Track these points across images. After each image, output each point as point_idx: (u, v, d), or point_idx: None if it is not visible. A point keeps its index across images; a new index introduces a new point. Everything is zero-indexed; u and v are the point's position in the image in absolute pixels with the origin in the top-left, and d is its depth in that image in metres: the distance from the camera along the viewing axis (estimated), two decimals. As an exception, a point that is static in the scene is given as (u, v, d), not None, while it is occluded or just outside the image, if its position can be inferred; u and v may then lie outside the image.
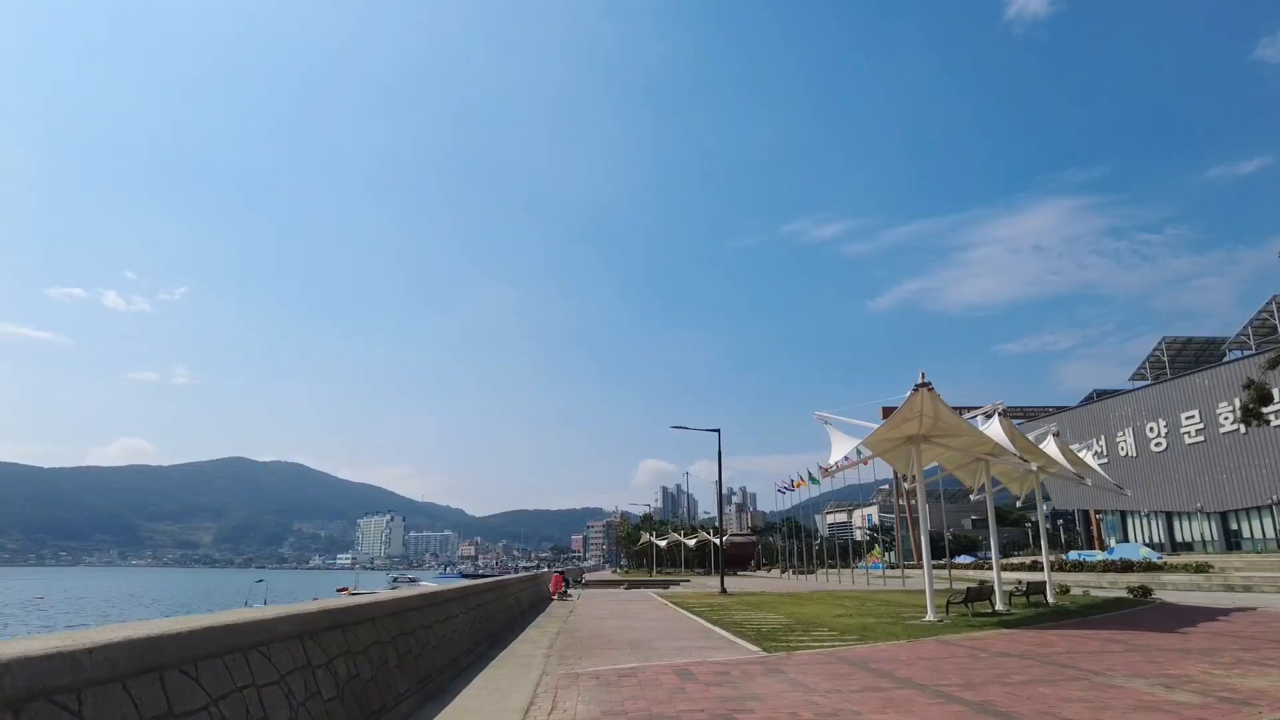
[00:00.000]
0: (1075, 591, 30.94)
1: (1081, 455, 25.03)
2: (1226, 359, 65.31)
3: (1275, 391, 36.48)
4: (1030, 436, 22.45)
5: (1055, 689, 8.55)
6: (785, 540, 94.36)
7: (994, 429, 19.18)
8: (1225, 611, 19.69)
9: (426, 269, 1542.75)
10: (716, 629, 16.79)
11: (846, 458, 21.36)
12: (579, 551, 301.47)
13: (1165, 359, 71.80)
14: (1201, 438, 59.36)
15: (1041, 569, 42.22)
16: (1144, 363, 74.79)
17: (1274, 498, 53.76)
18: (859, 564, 65.78)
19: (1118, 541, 66.80)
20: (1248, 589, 32.25)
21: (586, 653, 12.87)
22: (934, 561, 54.80)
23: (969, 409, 28.17)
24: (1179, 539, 63.57)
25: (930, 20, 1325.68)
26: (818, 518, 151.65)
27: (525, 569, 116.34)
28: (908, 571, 56.66)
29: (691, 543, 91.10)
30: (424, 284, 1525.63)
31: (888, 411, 22.82)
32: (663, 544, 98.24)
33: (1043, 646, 12.57)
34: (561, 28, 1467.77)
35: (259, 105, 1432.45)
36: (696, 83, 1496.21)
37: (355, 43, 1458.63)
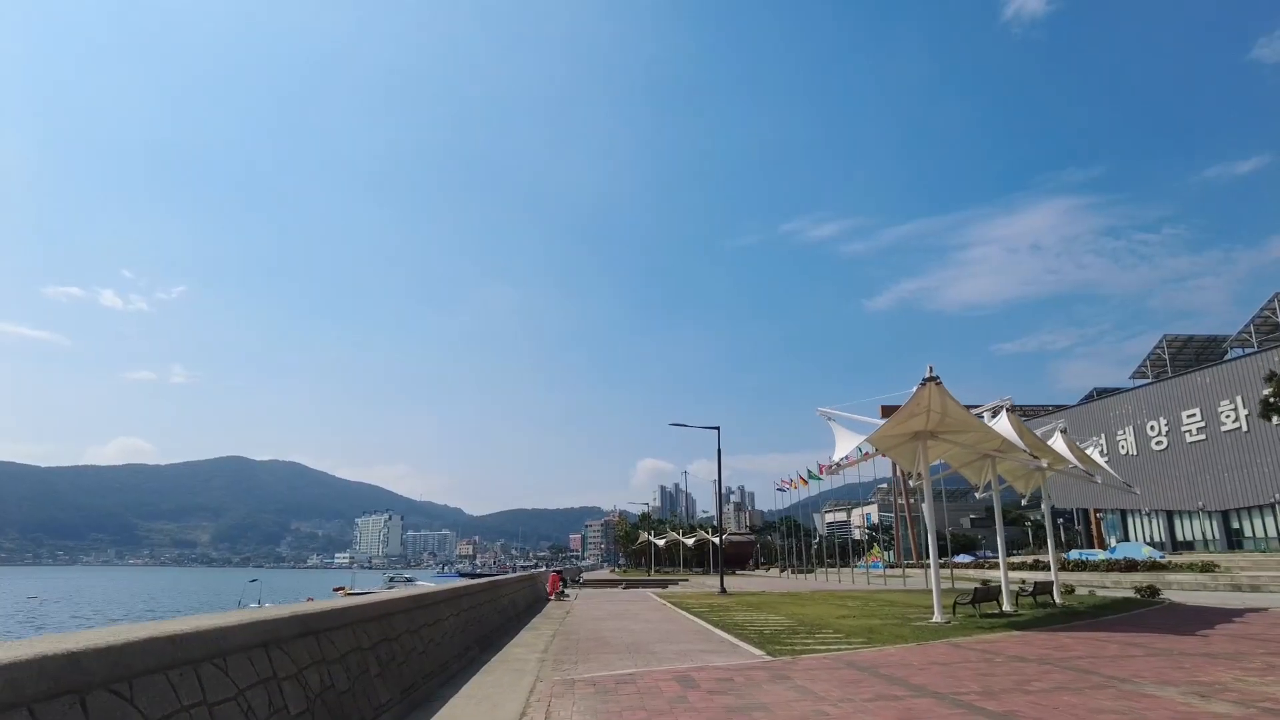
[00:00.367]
0: (1080, 591, 30.46)
1: (1089, 453, 24.51)
2: (1228, 357, 64.89)
3: None
4: (1037, 434, 21.92)
5: (1082, 698, 8.02)
6: (784, 539, 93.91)
7: (1002, 425, 18.66)
8: (1239, 612, 19.19)
9: (425, 268, 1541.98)
10: (717, 631, 16.24)
11: (847, 456, 20.82)
12: (577, 551, 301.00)
13: (1166, 357, 71.37)
14: (1203, 436, 58.95)
15: (1043, 568, 41.87)
16: (1145, 361, 74.34)
17: (1276, 496, 53.34)
18: (858, 563, 65.31)
19: (1118, 540, 66.39)
20: (1255, 589, 31.80)
21: (583, 657, 12.33)
22: (926, 561, 54.32)
23: (971, 407, 27.62)
24: (1180, 538, 63.17)
25: (928, 20, 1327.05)
26: (816, 517, 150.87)
27: (523, 568, 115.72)
28: (908, 571, 56.14)
29: (690, 542, 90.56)
30: (423, 283, 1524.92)
31: (887, 410, 22.29)
32: (661, 543, 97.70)
33: (1059, 651, 12.05)
34: (561, 27, 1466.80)
35: (257, 104, 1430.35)
36: (695, 82, 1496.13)
37: (354, 42, 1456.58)
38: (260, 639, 5.24)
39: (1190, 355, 71.90)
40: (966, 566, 53.00)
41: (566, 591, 35.12)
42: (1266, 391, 37.47)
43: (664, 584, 51.27)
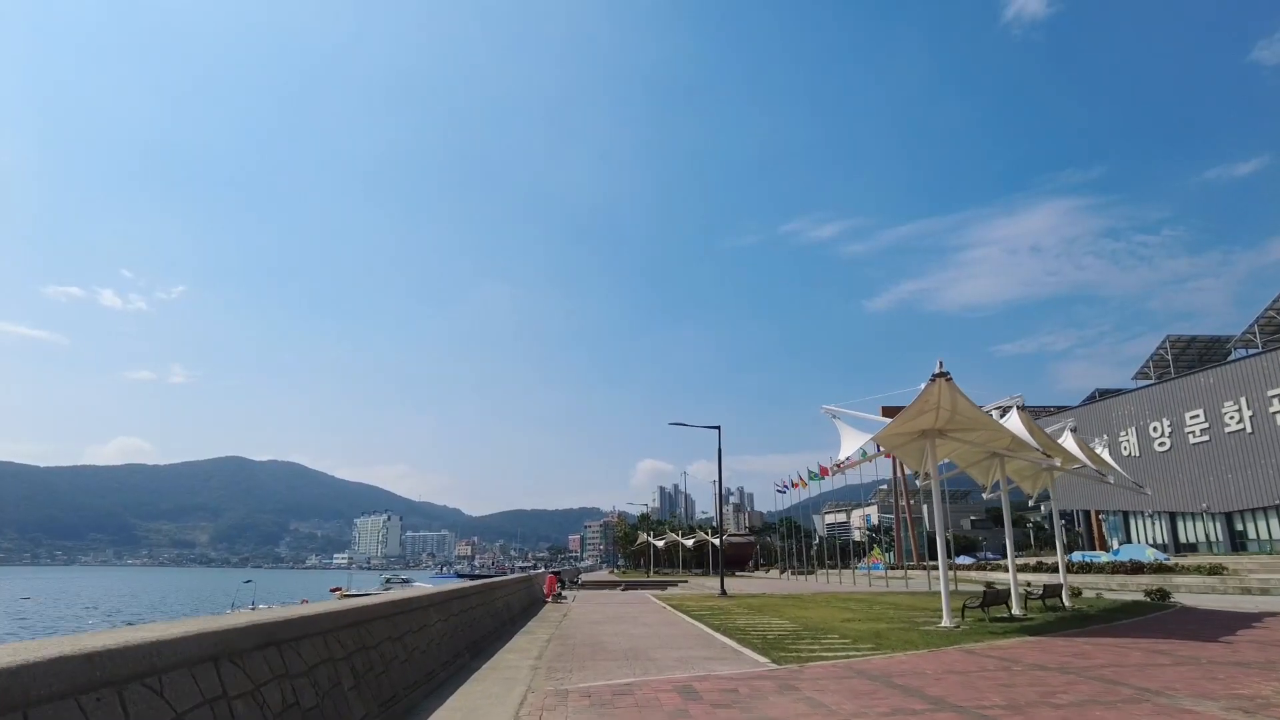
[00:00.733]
0: (1087, 594, 29.88)
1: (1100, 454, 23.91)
2: (1231, 358, 64.34)
3: None
4: (1046, 433, 21.31)
5: (1116, 713, 7.42)
6: (783, 540, 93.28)
7: (1014, 423, 18.06)
8: (1256, 617, 18.60)
9: (424, 268, 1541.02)
10: (719, 636, 15.62)
11: (852, 456, 20.22)
12: (576, 552, 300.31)
13: (1169, 358, 70.81)
14: (1206, 437, 58.36)
15: (1047, 570, 41.27)
16: (1147, 361, 73.78)
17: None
18: (858, 564, 64.71)
19: (1120, 542, 65.83)
20: (1265, 591, 31.22)
21: (578, 664, 11.71)
22: (936, 563, 53.75)
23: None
24: (1183, 540, 62.58)
25: (928, 21, 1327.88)
26: (816, 518, 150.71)
27: (522, 569, 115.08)
28: (910, 573, 55.52)
29: (689, 543, 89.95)
30: (422, 283, 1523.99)
31: (888, 411, 21.68)
32: (660, 544, 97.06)
33: (1080, 658, 11.43)
34: (560, 27, 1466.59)
35: (257, 104, 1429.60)
36: (695, 82, 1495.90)
37: (353, 42, 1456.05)
38: (209, 652, 4.63)
39: (1193, 356, 71.35)
40: (969, 568, 52.40)
41: (564, 594, 34.50)
42: None
43: (663, 585, 50.65)
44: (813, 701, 8.22)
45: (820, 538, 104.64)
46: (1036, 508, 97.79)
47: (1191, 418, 59.63)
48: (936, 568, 51.55)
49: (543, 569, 65.31)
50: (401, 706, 7.99)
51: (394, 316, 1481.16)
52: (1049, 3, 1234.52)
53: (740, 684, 9.48)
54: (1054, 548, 76.75)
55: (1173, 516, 63.12)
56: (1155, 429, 62.86)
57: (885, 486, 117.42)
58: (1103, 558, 49.59)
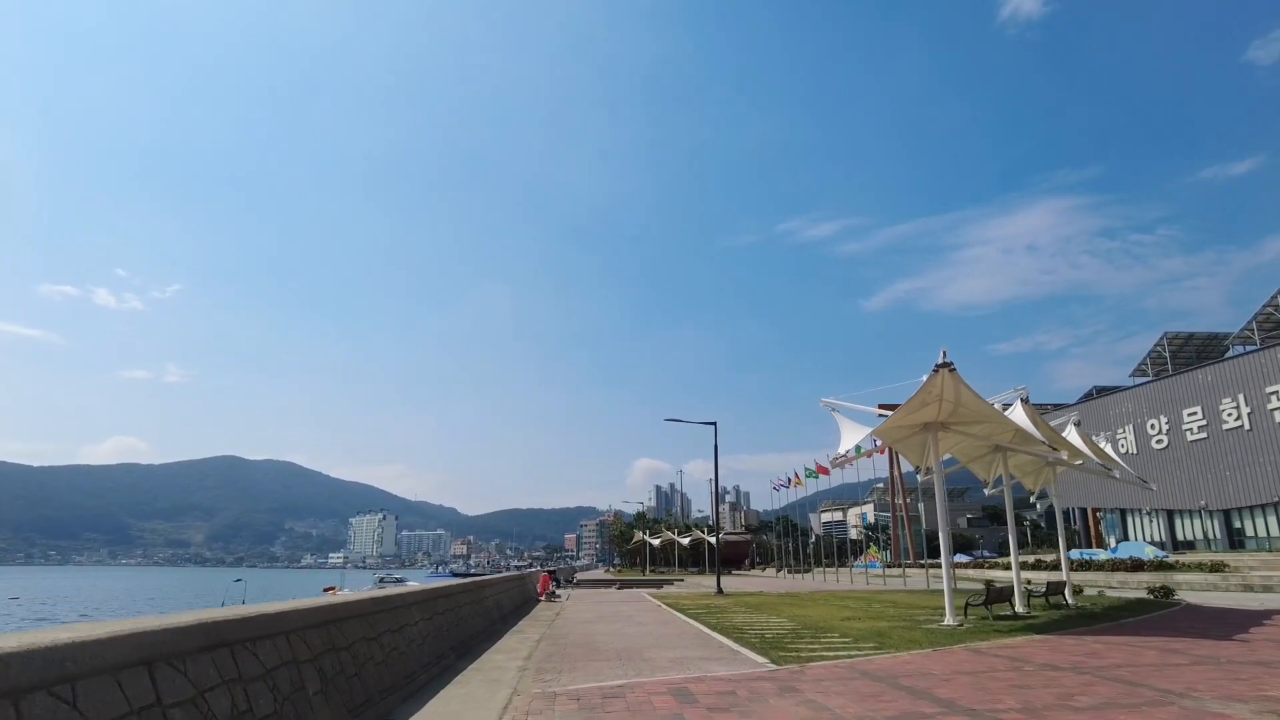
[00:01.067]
0: (1088, 592, 29.46)
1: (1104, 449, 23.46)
2: (1229, 354, 64.09)
3: None
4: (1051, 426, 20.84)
5: (1141, 717, 6.93)
6: (779, 539, 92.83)
7: (1018, 416, 17.58)
8: (1266, 615, 18.17)
9: (421, 267, 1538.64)
10: (716, 635, 15.09)
11: (856, 448, 19.72)
12: (572, 550, 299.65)
13: (1167, 355, 70.50)
14: (1204, 435, 58.08)
15: (1046, 568, 40.89)
16: (1145, 358, 73.46)
17: (1278, 495, 52.51)
18: (855, 563, 64.27)
19: (1118, 540, 65.58)
20: (1269, 589, 30.86)
21: (569, 665, 11.18)
22: (930, 561, 53.15)
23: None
24: (1181, 537, 62.35)
25: (924, 21, 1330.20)
26: (812, 516, 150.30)
27: (517, 568, 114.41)
28: (908, 571, 55.12)
29: (685, 541, 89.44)
30: (418, 282, 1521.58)
31: (885, 409, 21.18)
32: (656, 543, 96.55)
33: (1093, 658, 10.94)
34: (558, 27, 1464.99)
35: (253, 103, 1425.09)
36: (693, 82, 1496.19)
37: (352, 41, 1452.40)
38: (141, 656, 4.10)
39: (1191, 353, 71.06)
40: (966, 566, 52.04)
41: (558, 592, 33.96)
42: None
43: (659, 584, 50.13)
44: (816, 705, 7.71)
45: (816, 536, 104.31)
46: (1033, 506, 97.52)
47: (1189, 415, 59.34)
48: (935, 566, 50.99)
49: (538, 568, 64.78)
50: (374, 712, 7.45)
51: (391, 315, 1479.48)
52: (1045, 2, 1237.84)
53: (738, 686, 8.97)
54: (1051, 545, 76.39)
55: (1170, 514, 62.85)
56: (1153, 426, 62.56)
57: (882, 485, 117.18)
58: (1101, 555, 49.25)
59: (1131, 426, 64.51)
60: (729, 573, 69.77)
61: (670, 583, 52.45)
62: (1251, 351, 56.70)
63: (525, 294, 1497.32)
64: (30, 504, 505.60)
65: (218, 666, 4.85)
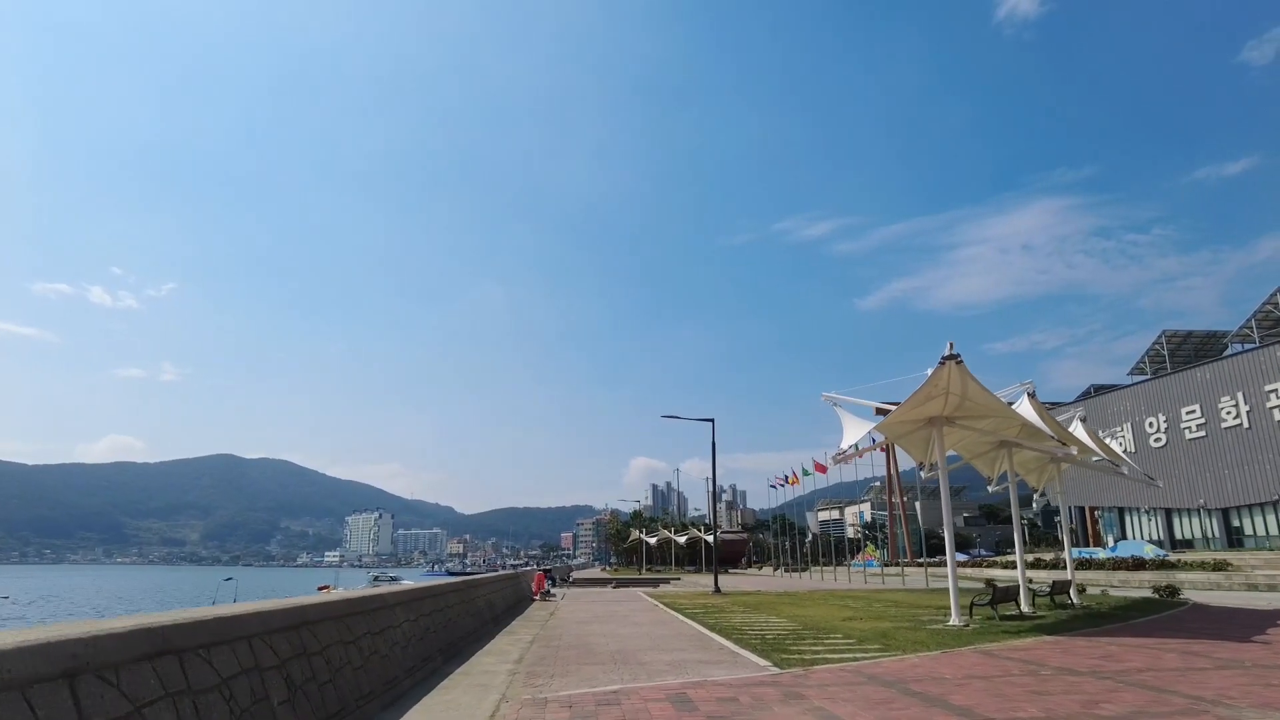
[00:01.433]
0: (1091, 591, 29.05)
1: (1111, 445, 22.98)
2: (1228, 352, 63.83)
3: None
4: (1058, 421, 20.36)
5: (1176, 727, 6.44)
6: (776, 538, 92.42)
7: (1025, 410, 17.09)
8: (1279, 614, 17.73)
9: (417, 266, 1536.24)
10: (715, 636, 14.57)
11: (857, 445, 19.20)
12: (569, 549, 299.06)
13: (1165, 352, 70.20)
14: (1203, 433, 57.79)
15: (1045, 567, 40.47)
16: (1143, 356, 73.15)
17: (1278, 494, 52.21)
18: (853, 562, 63.88)
19: (1116, 539, 65.29)
20: (1273, 588, 30.51)
21: (561, 669, 10.65)
22: (928, 560, 52.72)
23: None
24: (1179, 536, 62.06)
25: (921, 20, 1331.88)
26: (809, 515, 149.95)
27: (514, 567, 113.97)
28: (907, 570, 54.71)
29: (682, 540, 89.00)
30: (415, 281, 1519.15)
31: (882, 410, 20.67)
32: (653, 541, 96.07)
33: (1110, 661, 10.45)
34: (554, 26, 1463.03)
35: (248, 102, 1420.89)
36: (689, 81, 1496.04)
37: (347, 40, 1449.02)
38: (60, 668, 3.56)
39: (1189, 351, 70.77)
40: (964, 565, 51.66)
41: (553, 591, 33.43)
42: None
43: (655, 583, 49.64)
44: (823, 713, 7.20)
45: (813, 535, 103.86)
46: (1029, 505, 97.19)
47: (1188, 413, 59.04)
48: (934, 564, 50.50)
49: (534, 567, 64.24)
50: (349, 722, 6.91)
51: (387, 314, 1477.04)
52: (1041, 2, 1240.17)
53: (740, 691, 8.45)
54: (1049, 545, 75.96)
55: (1168, 513, 62.56)
56: (1151, 424, 62.26)
57: (878, 483, 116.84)
58: (1100, 554, 48.92)
59: (1129, 425, 64.18)
60: (726, 571, 69.31)
61: (667, 581, 51.96)
62: (1250, 349, 56.39)
63: (522, 293, 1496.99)
64: (25, 503, 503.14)
65: (161, 677, 4.31)
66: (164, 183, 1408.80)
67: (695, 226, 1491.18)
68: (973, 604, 17.26)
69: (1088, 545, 65.70)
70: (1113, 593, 28.46)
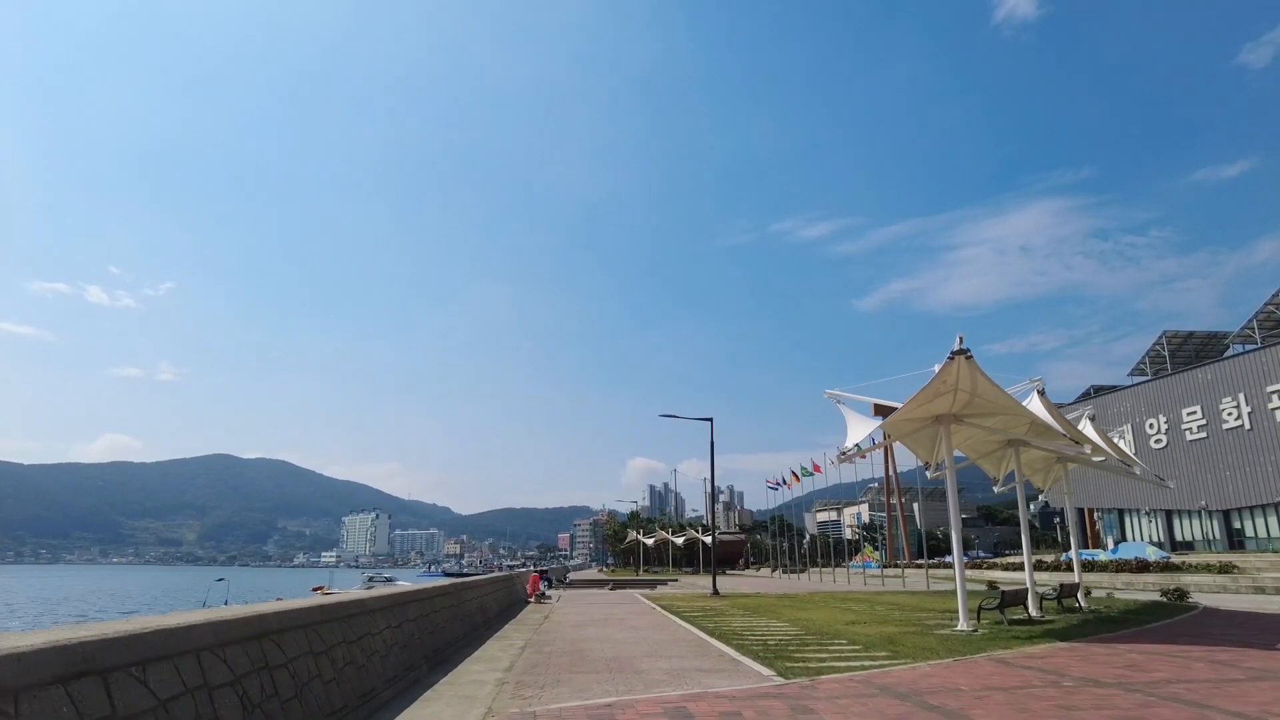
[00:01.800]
0: (1096, 593, 28.48)
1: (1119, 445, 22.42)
2: (1229, 353, 63.41)
3: None
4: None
5: (1225, 749, 5.86)
6: (774, 539, 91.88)
7: (1036, 407, 16.52)
8: (1295, 619, 17.18)
9: (415, 265, 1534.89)
10: (714, 642, 13.96)
11: (860, 444, 18.63)
12: (566, 550, 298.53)
13: (1165, 353, 69.73)
14: (1204, 434, 57.38)
15: (1045, 568, 39.88)
16: (1144, 357, 72.69)
17: (1279, 496, 51.78)
18: (851, 563, 63.33)
19: (1115, 540, 64.85)
20: (1281, 591, 29.91)
21: (553, 678, 10.05)
22: (923, 561, 52.19)
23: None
24: (1179, 538, 61.64)
25: (920, 22, 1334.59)
26: (806, 516, 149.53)
27: (510, 567, 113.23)
28: (907, 572, 54.14)
29: (680, 541, 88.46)
30: (413, 280, 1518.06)
31: (880, 409, 20.06)
32: (650, 542, 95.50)
33: (1135, 671, 9.86)
34: (557, 26, 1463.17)
35: (248, 100, 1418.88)
36: (690, 82, 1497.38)
37: (349, 39, 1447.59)
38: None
39: (1190, 352, 70.32)
40: (964, 566, 51.06)
41: (548, 593, 32.81)
42: None
43: (652, 584, 49.02)
44: (835, 731, 6.61)
45: (811, 536, 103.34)
46: (1028, 506, 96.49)
47: (1189, 414, 58.62)
48: (935, 566, 49.82)
49: (531, 567, 63.60)
50: (317, 741, 6.31)
51: (385, 314, 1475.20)
52: (1039, 4, 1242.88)
53: (744, 705, 7.84)
54: (1048, 546, 75.29)
55: (1168, 514, 62.14)
56: (1151, 426, 61.84)
57: (876, 485, 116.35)
58: (1102, 556, 48.45)
59: (1130, 426, 63.72)
60: (723, 572, 68.68)
61: (664, 583, 51.35)
62: (1252, 350, 55.95)
63: (519, 293, 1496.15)
64: (21, 503, 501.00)
65: (77, 703, 3.71)
66: (162, 182, 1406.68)
67: (694, 226, 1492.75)
68: (980, 608, 16.69)
69: (1087, 547, 65.25)
70: (1118, 595, 27.90)
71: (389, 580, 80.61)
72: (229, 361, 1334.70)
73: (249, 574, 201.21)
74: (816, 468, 54.02)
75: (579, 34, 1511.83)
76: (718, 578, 36.71)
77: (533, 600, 29.10)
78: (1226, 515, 57.21)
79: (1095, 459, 18.61)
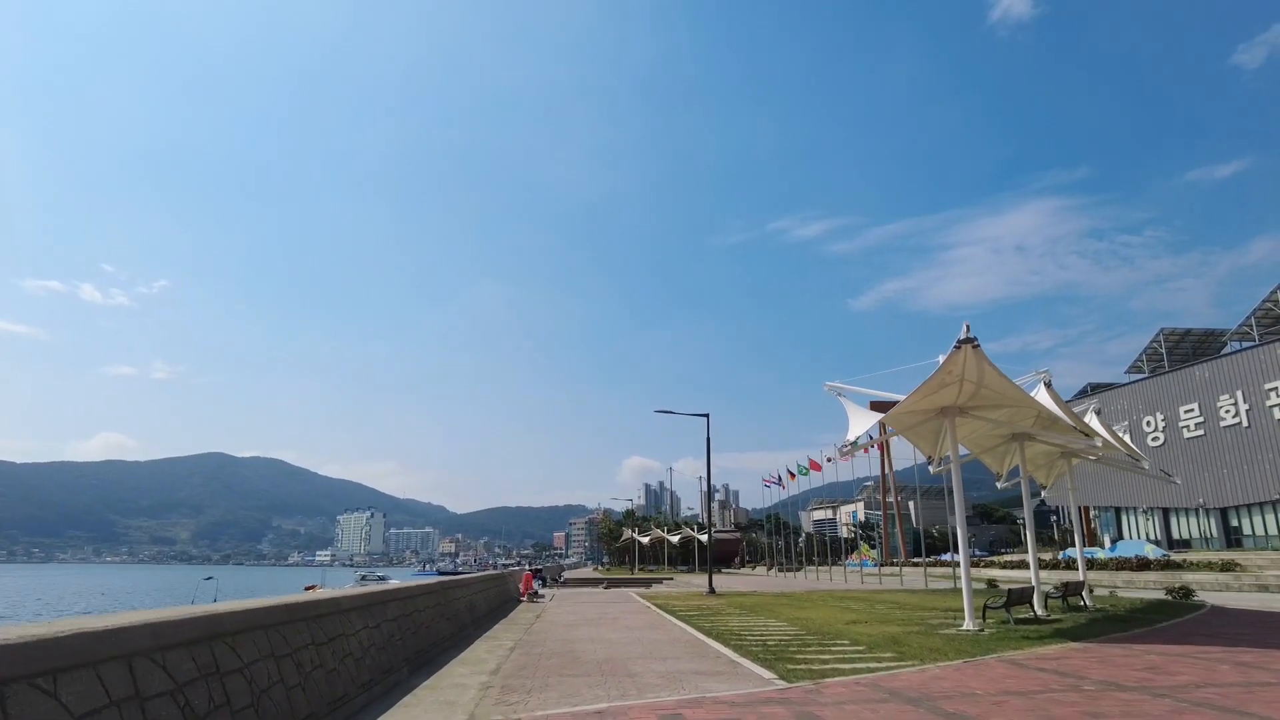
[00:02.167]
0: (1098, 591, 28.06)
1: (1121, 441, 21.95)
2: (1226, 351, 63.15)
3: None
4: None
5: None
6: (770, 537, 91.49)
7: (1043, 399, 16.00)
8: (1307, 617, 16.71)
9: (413, 264, 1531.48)
10: (712, 643, 13.39)
11: (853, 443, 18.07)
12: (561, 549, 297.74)
13: (1163, 351, 69.43)
14: (1201, 432, 57.10)
15: (1045, 566, 39.44)
16: (1141, 355, 72.39)
17: (1277, 493, 51.49)
18: (847, 561, 62.93)
19: (1113, 539, 64.56)
20: (1285, 589, 29.55)
21: (541, 682, 9.47)
22: (920, 559, 51.76)
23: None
24: (1176, 536, 61.37)
25: (916, 22, 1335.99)
26: (802, 514, 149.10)
27: (504, 566, 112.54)
28: (905, 570, 53.71)
29: (675, 539, 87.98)
30: (410, 280, 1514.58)
31: (876, 406, 19.56)
32: (645, 540, 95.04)
33: (1157, 674, 9.34)
34: (556, 26, 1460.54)
35: (247, 99, 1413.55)
36: (688, 82, 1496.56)
37: (349, 39, 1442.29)
38: None
39: (1188, 349, 70.03)
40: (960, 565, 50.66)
41: (541, 592, 32.22)
42: None
43: (648, 583, 48.48)
44: (845, 741, 6.06)
45: (807, 534, 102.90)
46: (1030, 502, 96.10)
47: (1186, 412, 58.32)
48: (933, 564, 49.41)
49: (526, 566, 62.99)
50: (275, 754, 5.72)
51: (381, 313, 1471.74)
52: (1035, 4, 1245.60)
53: (745, 711, 7.27)
54: (1046, 544, 75.02)
55: (1165, 512, 61.86)
56: (1149, 423, 61.51)
57: (871, 483, 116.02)
58: (1099, 554, 48.12)
59: (1127, 424, 63.36)
60: (719, 571, 68.22)
61: (659, 581, 50.81)
62: (1250, 348, 55.65)
63: (517, 292, 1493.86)
64: (14, 501, 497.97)
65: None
66: (160, 181, 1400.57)
67: (691, 226, 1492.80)
68: (985, 606, 16.18)
69: (1085, 545, 65.00)
70: (1120, 593, 27.48)
71: (382, 579, 80.00)
72: (224, 360, 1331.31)
73: (242, 573, 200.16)
74: (814, 465, 53.49)
75: (579, 34, 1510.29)
76: (714, 576, 36.18)
77: (525, 599, 28.51)
78: (1224, 513, 56.95)
79: (1102, 454, 18.09)
